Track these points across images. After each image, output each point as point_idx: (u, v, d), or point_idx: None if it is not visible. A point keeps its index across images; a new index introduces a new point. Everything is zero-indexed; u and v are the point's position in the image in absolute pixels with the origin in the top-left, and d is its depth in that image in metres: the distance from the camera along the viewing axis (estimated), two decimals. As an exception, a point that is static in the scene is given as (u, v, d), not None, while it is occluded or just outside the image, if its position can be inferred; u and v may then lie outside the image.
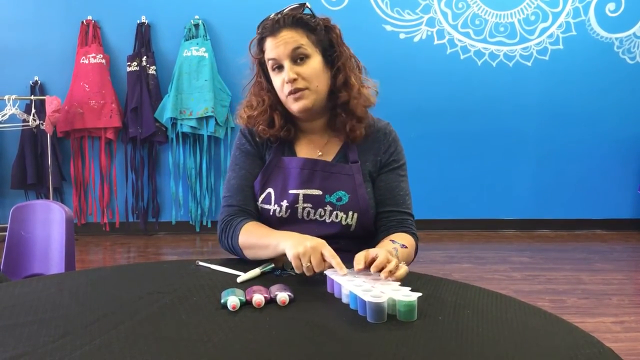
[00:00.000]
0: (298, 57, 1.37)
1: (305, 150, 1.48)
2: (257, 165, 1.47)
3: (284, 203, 1.41)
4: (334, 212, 1.40)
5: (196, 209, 4.79)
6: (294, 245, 1.19)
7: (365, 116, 1.45)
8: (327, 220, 1.40)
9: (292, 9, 1.40)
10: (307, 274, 1.18)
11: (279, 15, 1.39)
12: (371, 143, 1.46)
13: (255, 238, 1.34)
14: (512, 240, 4.68)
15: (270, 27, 1.38)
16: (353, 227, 1.40)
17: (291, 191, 1.41)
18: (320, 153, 1.47)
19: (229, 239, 1.40)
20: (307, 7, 1.41)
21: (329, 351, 0.90)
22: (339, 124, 1.44)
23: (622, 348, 2.54)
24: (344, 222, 1.40)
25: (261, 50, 1.42)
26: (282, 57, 1.37)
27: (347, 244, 1.37)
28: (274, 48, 1.37)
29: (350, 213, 1.40)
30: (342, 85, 1.42)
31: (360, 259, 1.15)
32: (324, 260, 1.18)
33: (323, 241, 1.20)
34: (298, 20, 1.38)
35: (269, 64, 1.40)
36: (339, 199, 1.40)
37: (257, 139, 1.48)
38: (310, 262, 1.17)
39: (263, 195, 1.44)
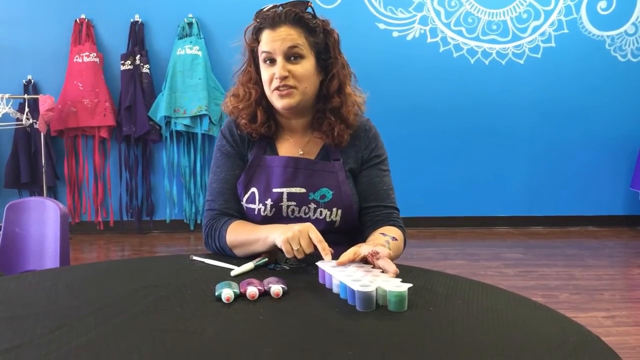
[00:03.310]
0: (292, 56, 1.37)
1: (286, 149, 1.48)
2: (238, 167, 1.47)
3: (268, 202, 1.41)
4: (318, 209, 1.41)
5: (190, 207, 4.79)
6: (283, 232, 1.23)
7: (355, 123, 1.45)
8: (312, 217, 1.41)
9: (294, 4, 1.38)
10: (298, 256, 1.21)
11: (281, 9, 1.38)
12: (352, 140, 1.47)
13: (244, 235, 1.35)
14: (505, 237, 4.71)
15: (271, 20, 1.37)
16: (338, 223, 1.41)
17: (275, 190, 1.42)
18: (301, 152, 1.47)
19: (216, 240, 1.41)
20: (310, 6, 1.41)
21: (322, 343, 0.91)
22: (326, 126, 1.43)
23: (613, 342, 2.56)
24: (328, 219, 1.41)
25: (256, 40, 1.41)
26: (277, 53, 1.36)
27: (333, 238, 1.36)
28: (270, 42, 1.37)
29: (335, 209, 1.41)
30: (336, 91, 1.42)
31: (348, 254, 1.17)
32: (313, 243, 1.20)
33: (310, 224, 1.23)
34: (299, 18, 1.37)
35: (262, 56, 1.39)
36: (323, 196, 1.41)
37: (238, 137, 1.48)
38: (300, 245, 1.19)
39: (247, 195, 1.44)
